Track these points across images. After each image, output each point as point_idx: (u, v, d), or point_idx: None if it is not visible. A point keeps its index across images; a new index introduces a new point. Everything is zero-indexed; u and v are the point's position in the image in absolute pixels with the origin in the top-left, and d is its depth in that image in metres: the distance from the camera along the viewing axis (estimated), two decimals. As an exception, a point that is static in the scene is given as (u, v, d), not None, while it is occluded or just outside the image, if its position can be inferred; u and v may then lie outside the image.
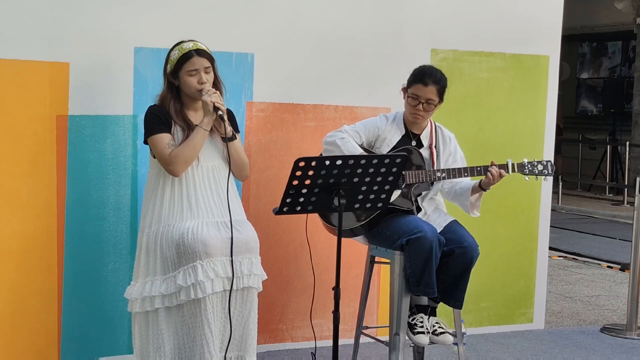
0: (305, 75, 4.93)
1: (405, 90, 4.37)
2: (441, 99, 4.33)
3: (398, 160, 3.81)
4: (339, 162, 3.69)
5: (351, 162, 3.72)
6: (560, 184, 13.45)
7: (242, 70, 4.76)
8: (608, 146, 15.36)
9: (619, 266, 8.15)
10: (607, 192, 14.94)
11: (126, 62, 4.49)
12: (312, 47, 4.93)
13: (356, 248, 4.79)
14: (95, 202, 4.48)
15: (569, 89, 18.34)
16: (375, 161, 3.77)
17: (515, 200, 5.52)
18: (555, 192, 13.55)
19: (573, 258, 8.73)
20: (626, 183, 14.17)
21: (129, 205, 4.54)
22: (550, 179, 4.72)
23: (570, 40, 17.97)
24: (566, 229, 10.68)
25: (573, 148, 16.21)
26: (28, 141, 4.32)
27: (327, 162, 3.67)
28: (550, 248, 8.98)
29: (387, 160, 3.78)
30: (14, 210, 4.30)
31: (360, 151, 4.26)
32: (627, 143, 14.35)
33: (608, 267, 8.29)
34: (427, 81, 4.26)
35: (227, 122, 3.88)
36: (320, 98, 4.98)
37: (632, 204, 13.09)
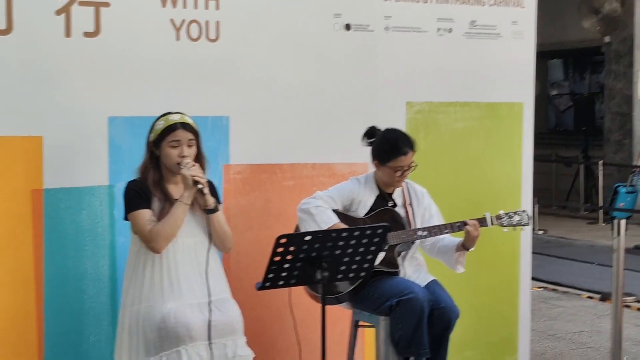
0: (280, 134, 4.91)
1: (378, 164, 4.36)
2: None
3: (379, 231, 3.80)
4: (320, 235, 3.68)
5: (333, 235, 3.71)
6: (537, 206, 13.46)
7: (218, 134, 4.73)
8: (581, 165, 15.44)
9: (599, 296, 8.18)
10: (582, 210, 15.01)
11: (100, 132, 4.44)
12: (287, 107, 4.90)
13: (336, 309, 4.75)
14: (73, 275, 4.43)
15: (540, 105, 18.45)
16: (356, 233, 3.75)
17: (494, 245, 5.51)
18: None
19: (553, 289, 8.75)
20: (600, 200, 14.25)
21: (108, 277, 4.48)
22: (528, 228, 4.73)
23: (540, 57, 18.10)
24: (543, 254, 10.69)
25: (547, 165, 16.27)
26: (3, 217, 4.26)
27: (309, 237, 3.65)
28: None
29: (368, 232, 3.77)
30: (-10, 288, 4.24)
31: (335, 220, 4.25)
32: (601, 162, 14.40)
33: (588, 297, 8.32)
34: (406, 150, 4.27)
35: (208, 195, 3.85)
36: (297, 157, 4.96)
37: (607, 222, 13.25)
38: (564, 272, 9.70)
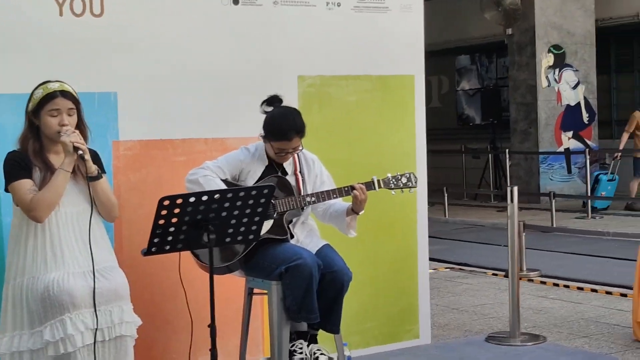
0: (171, 110, 4.87)
1: (264, 138, 4.37)
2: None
3: (265, 191, 3.80)
4: (204, 197, 3.66)
5: (217, 196, 3.70)
6: (446, 195, 13.73)
7: (106, 110, 4.68)
8: (490, 155, 15.79)
9: (504, 273, 8.33)
10: (492, 200, 15.31)
11: (-18, 110, 4.35)
12: (177, 82, 4.87)
13: (234, 280, 4.75)
14: (-41, 255, 4.32)
15: (449, 101, 18.82)
16: (242, 194, 3.75)
17: (392, 218, 5.58)
18: (441, 203, 13.84)
19: (460, 269, 8.88)
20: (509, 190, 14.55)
21: (-4, 257, 4.39)
22: (416, 190, 4.77)
23: (447, 54, 18.47)
24: (453, 239, 10.87)
25: (457, 158, 16.58)
26: None
27: (193, 199, 3.63)
28: (438, 260, 9.18)
29: (254, 192, 3.78)
30: None
31: (223, 187, 4.23)
32: (507, 150, 14.76)
33: (493, 274, 8.47)
34: (291, 136, 4.28)
35: (89, 162, 3.80)
36: (188, 132, 4.93)
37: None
38: (473, 254, 9.86)
